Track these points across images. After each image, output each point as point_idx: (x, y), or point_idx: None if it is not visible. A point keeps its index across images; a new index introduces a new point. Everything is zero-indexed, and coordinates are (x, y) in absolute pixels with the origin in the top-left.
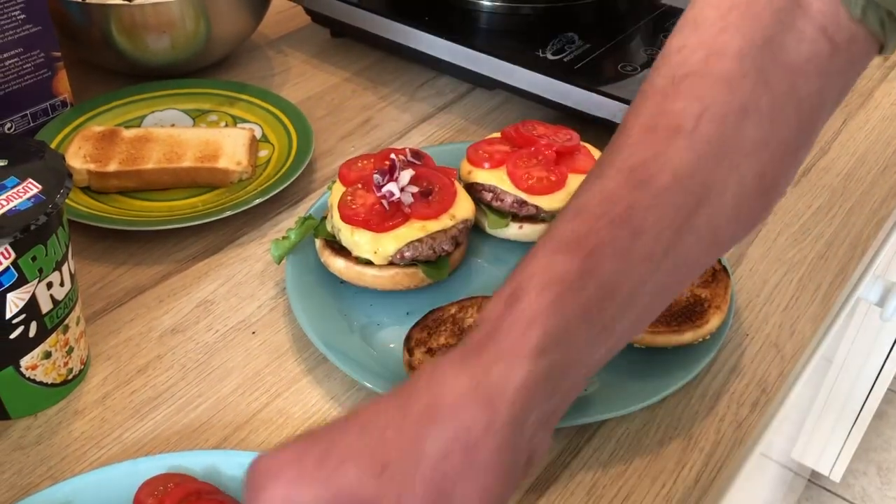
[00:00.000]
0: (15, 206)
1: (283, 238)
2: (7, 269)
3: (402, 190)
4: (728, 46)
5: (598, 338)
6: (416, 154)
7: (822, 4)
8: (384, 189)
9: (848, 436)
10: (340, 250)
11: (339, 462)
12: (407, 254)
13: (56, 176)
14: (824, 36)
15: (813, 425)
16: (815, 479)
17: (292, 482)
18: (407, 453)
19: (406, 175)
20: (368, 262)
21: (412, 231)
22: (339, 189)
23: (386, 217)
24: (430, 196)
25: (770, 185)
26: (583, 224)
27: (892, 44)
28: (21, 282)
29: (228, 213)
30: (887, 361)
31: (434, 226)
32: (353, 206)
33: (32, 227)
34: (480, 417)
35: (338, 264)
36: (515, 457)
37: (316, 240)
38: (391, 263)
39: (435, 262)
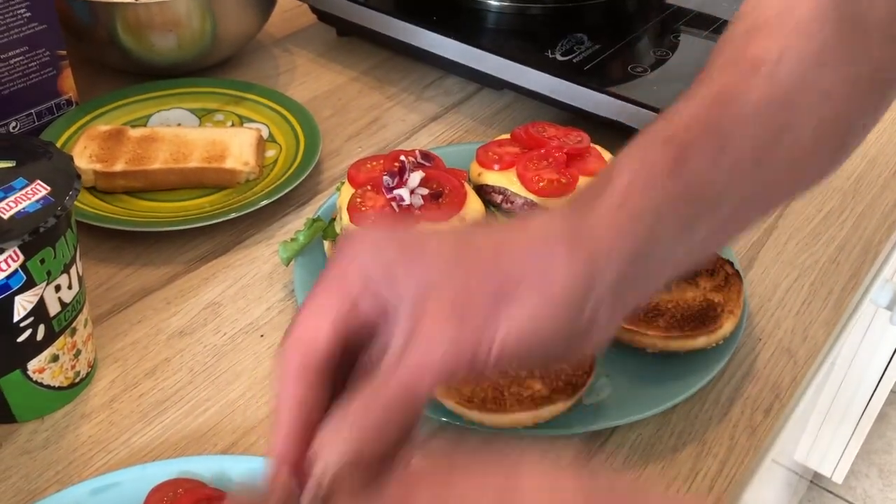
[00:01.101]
0: (23, 208)
1: (292, 240)
2: (15, 271)
3: (411, 192)
4: (802, 2)
5: (680, 234)
6: (426, 156)
7: None
8: (394, 191)
9: (850, 438)
10: None
11: (426, 237)
12: None
13: (64, 177)
14: None
15: (816, 427)
16: (817, 481)
17: (378, 236)
18: (484, 252)
19: (416, 177)
20: None
21: None
22: (347, 190)
23: (396, 219)
24: (440, 198)
25: (846, 129)
26: (676, 128)
27: None
28: (29, 285)
29: (235, 215)
30: (891, 364)
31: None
32: (363, 208)
33: (41, 230)
34: (562, 251)
35: None
36: (579, 305)
37: (325, 241)
38: None
39: None
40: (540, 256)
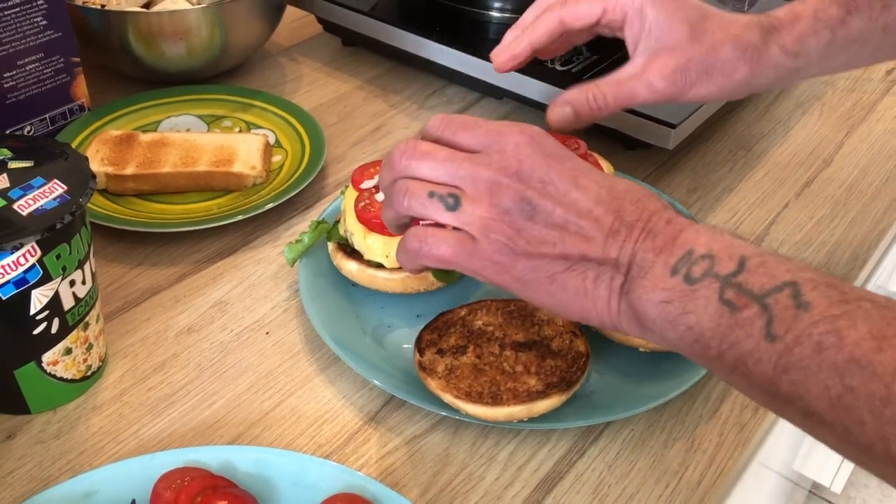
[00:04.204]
0: (41, 206)
1: (297, 241)
2: (33, 266)
3: None
4: None
5: (820, 62)
6: None
7: None
8: None
9: None
10: (353, 253)
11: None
12: None
13: (80, 177)
14: None
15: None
16: (816, 491)
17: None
18: (702, 30)
19: None
20: (380, 266)
21: None
22: (351, 194)
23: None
24: None
25: None
26: None
27: None
28: (45, 279)
29: (242, 217)
30: None
31: None
32: (371, 210)
33: (58, 226)
34: (746, 67)
35: (350, 267)
36: (739, 93)
37: (329, 243)
38: (402, 267)
39: None
40: (733, 59)
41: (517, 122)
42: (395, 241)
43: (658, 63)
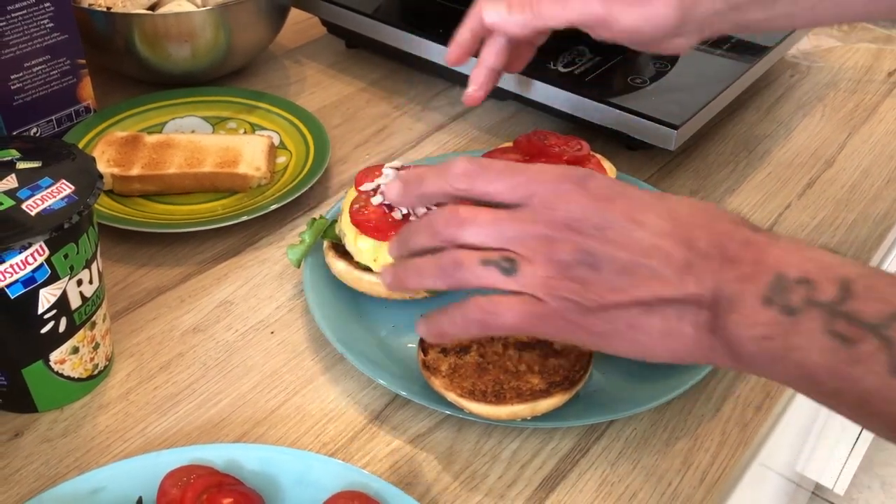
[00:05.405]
0: (49, 206)
1: (299, 242)
2: (41, 265)
3: None
4: None
5: (761, 6)
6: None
7: None
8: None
9: (852, 449)
10: (344, 253)
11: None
12: None
13: (87, 177)
14: None
15: (817, 438)
16: (818, 493)
17: None
18: None
19: None
20: (368, 269)
21: None
22: (352, 194)
23: (395, 227)
24: None
25: None
26: None
27: None
28: (53, 278)
29: (246, 218)
30: None
31: None
32: (365, 212)
33: (66, 226)
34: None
35: (338, 266)
36: (670, 33)
37: (324, 241)
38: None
39: None
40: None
41: (554, 165)
42: (385, 245)
43: None
